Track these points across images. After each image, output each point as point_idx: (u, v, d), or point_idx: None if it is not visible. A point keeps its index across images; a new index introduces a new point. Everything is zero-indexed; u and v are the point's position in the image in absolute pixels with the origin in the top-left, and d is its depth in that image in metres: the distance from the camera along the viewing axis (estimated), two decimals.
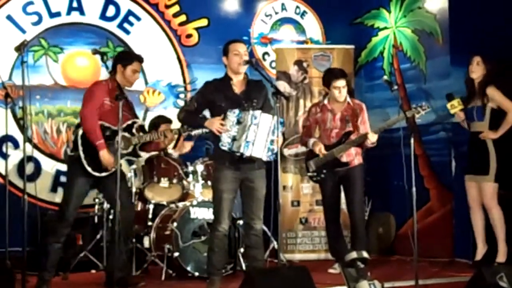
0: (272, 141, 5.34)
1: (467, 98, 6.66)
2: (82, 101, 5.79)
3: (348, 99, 6.52)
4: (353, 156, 6.42)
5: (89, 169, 5.59)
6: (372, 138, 6.24)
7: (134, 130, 5.81)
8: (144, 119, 7.84)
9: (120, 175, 5.65)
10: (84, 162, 5.58)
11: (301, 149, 7.71)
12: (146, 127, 7.51)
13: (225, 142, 5.32)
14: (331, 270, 6.50)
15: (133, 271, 6.39)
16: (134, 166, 6.75)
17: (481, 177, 6.56)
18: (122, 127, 5.34)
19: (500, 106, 6.51)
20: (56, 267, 5.78)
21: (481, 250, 6.69)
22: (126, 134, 5.75)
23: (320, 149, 6.34)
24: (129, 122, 5.79)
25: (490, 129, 6.53)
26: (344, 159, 6.40)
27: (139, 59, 5.92)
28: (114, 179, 5.47)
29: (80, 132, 5.63)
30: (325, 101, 6.56)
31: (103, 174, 5.65)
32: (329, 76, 6.52)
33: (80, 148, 5.59)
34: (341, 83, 6.42)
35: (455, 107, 6.60)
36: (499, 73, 6.65)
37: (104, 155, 5.59)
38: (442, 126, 7.32)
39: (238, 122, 5.30)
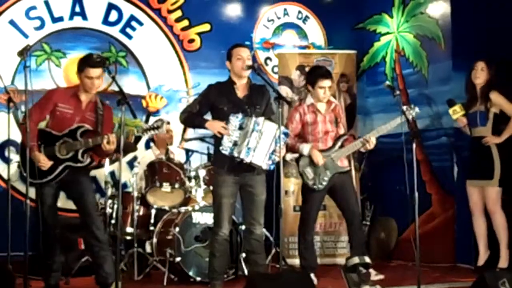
0: (274, 151, 5.33)
1: (468, 103, 6.66)
2: None
3: (332, 99, 6.44)
4: (346, 160, 6.40)
5: (30, 179, 5.38)
6: (374, 141, 6.19)
7: (78, 135, 5.58)
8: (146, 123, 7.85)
9: (87, 184, 5.73)
10: (22, 170, 5.45)
11: None
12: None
13: (226, 146, 5.31)
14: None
15: (135, 275, 6.39)
16: (135, 171, 6.75)
17: (485, 181, 6.56)
18: (123, 136, 5.24)
19: (504, 111, 6.53)
20: (60, 271, 5.80)
21: (483, 255, 6.68)
22: (68, 140, 5.58)
23: (322, 160, 6.19)
24: (73, 127, 5.59)
25: (492, 134, 6.54)
26: (345, 163, 6.37)
27: (92, 65, 5.58)
28: (76, 185, 5.62)
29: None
30: (311, 101, 6.35)
31: (44, 180, 5.53)
32: (315, 75, 6.33)
33: (19, 159, 5.51)
34: (327, 83, 6.27)
35: (457, 112, 6.60)
36: (500, 76, 6.66)
37: (34, 156, 5.45)
38: (443, 131, 7.32)
39: (240, 128, 5.30)
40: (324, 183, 6.25)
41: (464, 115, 6.62)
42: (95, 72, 5.57)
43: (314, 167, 6.25)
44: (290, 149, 6.39)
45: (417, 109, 6.21)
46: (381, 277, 6.31)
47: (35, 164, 5.46)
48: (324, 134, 6.35)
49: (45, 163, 5.50)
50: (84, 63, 5.63)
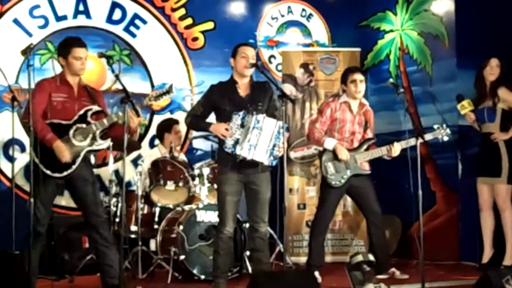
0: (274, 146, 5.33)
1: (477, 100, 6.62)
2: None
3: (365, 102, 6.46)
4: (367, 164, 6.39)
5: (48, 172, 5.31)
6: (398, 151, 6.20)
7: (89, 119, 5.45)
8: (150, 122, 7.85)
9: (90, 177, 5.51)
10: (41, 166, 5.29)
11: (307, 152, 7.71)
12: (154, 131, 7.50)
13: (229, 145, 5.32)
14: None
15: (139, 274, 6.39)
16: (139, 169, 6.76)
17: (494, 179, 6.53)
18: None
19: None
20: (37, 271, 5.47)
21: (488, 253, 6.66)
22: (81, 125, 5.42)
23: (347, 156, 6.20)
24: (81, 112, 5.44)
25: (501, 130, 6.52)
26: (367, 167, 6.35)
27: (79, 44, 5.47)
28: (82, 182, 5.42)
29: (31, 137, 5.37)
30: (345, 99, 6.36)
31: (64, 173, 5.36)
32: (345, 73, 6.39)
33: (33, 153, 5.26)
34: (358, 76, 6.28)
35: (465, 107, 6.56)
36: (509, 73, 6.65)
37: (58, 146, 5.30)
38: (448, 128, 7.31)
39: (242, 125, 5.31)
40: (343, 181, 6.23)
41: (472, 111, 6.59)
42: (83, 52, 5.47)
43: (336, 163, 6.24)
44: (316, 142, 6.45)
45: (448, 131, 6.31)
46: (406, 276, 6.30)
47: (55, 155, 5.30)
48: (351, 134, 6.34)
49: (68, 155, 5.32)
50: (70, 45, 5.49)
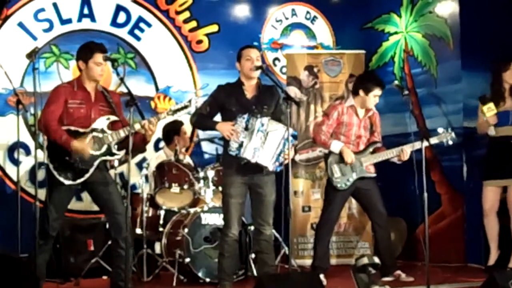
0: (281, 152, 5.33)
1: (494, 102, 6.56)
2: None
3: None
4: (373, 167, 6.39)
5: (61, 179, 5.31)
6: (408, 155, 6.21)
7: (106, 128, 5.44)
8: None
9: (109, 180, 5.55)
10: (55, 173, 5.31)
11: (312, 154, 7.70)
12: (160, 134, 7.49)
13: (233, 148, 5.33)
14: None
15: (145, 276, 6.39)
16: (144, 172, 6.76)
17: (509, 180, 6.50)
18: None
19: None
20: (44, 275, 5.48)
21: (494, 255, 6.65)
22: (97, 135, 5.40)
23: (352, 159, 6.22)
24: (98, 120, 5.45)
25: None
26: (372, 170, 6.35)
27: (101, 50, 5.46)
28: (103, 184, 5.44)
29: (45, 143, 5.40)
30: (352, 103, 6.39)
31: (78, 181, 5.36)
32: (372, 83, 6.36)
33: (47, 159, 5.32)
34: (380, 92, 6.33)
35: (491, 110, 6.48)
36: None
37: (74, 144, 5.27)
38: (453, 131, 7.30)
39: (246, 128, 5.31)
40: (348, 184, 6.25)
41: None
42: (102, 57, 5.44)
43: (342, 166, 6.25)
44: (322, 145, 6.45)
45: (453, 134, 6.31)
46: (411, 278, 6.30)
47: (69, 163, 5.31)
48: (357, 138, 6.36)
49: (87, 149, 5.29)
50: (92, 50, 5.46)
